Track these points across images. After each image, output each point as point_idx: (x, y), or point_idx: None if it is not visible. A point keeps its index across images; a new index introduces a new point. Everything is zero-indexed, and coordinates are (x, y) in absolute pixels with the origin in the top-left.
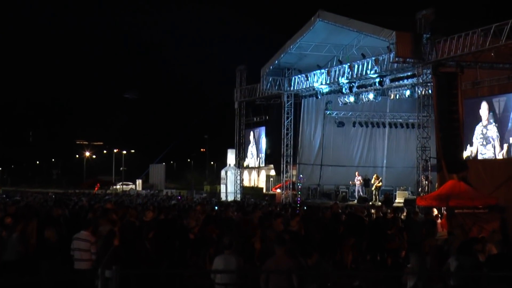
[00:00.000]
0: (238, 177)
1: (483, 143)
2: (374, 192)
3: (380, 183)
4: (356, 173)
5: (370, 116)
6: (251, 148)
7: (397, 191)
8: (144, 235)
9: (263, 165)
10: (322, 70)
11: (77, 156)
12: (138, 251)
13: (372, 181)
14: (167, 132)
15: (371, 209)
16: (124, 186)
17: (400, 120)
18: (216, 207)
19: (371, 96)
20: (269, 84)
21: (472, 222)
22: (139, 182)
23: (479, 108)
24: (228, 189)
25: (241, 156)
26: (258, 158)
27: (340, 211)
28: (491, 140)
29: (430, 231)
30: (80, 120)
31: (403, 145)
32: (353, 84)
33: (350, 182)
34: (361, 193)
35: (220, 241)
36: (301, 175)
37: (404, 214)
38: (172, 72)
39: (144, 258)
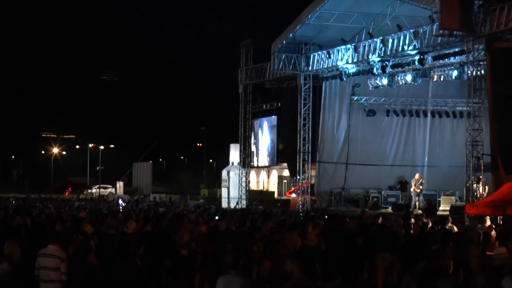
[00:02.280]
0: (244, 179)
1: None
2: (415, 198)
3: (421, 187)
4: (417, 175)
5: (408, 102)
6: (260, 143)
7: (442, 196)
8: (134, 250)
9: (274, 163)
10: (348, 46)
11: (42, 152)
12: (125, 270)
13: (413, 184)
14: (155, 123)
15: (409, 219)
16: (101, 190)
17: (445, 108)
18: (217, 217)
19: (409, 77)
20: (281, 63)
21: None
22: (120, 184)
23: None
24: (231, 194)
25: (246, 153)
26: (268, 155)
27: (369, 221)
28: None
29: (483, 246)
30: (46, 107)
31: (449, 139)
32: (387, 63)
33: (412, 188)
34: (420, 202)
35: (221, 259)
36: (304, 180)
37: (450, 224)
38: (160, 48)
39: (134, 280)
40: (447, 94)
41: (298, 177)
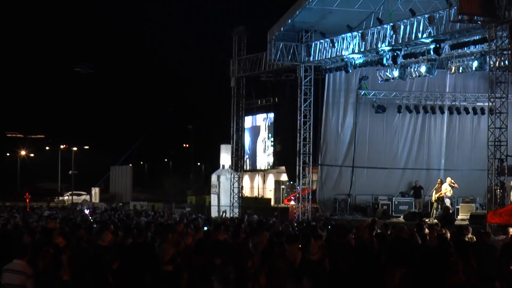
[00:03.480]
0: (236, 184)
1: None
2: (434, 205)
3: (451, 191)
4: (449, 180)
5: (422, 98)
6: (254, 143)
7: (460, 204)
8: (106, 265)
9: (271, 167)
10: (355, 33)
11: (7, 154)
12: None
13: (436, 189)
14: (136, 121)
15: (423, 229)
16: (74, 197)
17: (465, 104)
18: (206, 227)
19: (423, 69)
20: (279, 53)
21: None
22: (95, 191)
23: None
24: (222, 201)
25: (239, 155)
26: (264, 158)
27: (379, 231)
28: None
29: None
30: (12, 103)
31: (469, 138)
32: (398, 53)
33: (443, 193)
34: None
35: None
36: (304, 186)
37: (469, 235)
38: (142, 37)
39: None
40: (466, 88)
41: (298, 182)
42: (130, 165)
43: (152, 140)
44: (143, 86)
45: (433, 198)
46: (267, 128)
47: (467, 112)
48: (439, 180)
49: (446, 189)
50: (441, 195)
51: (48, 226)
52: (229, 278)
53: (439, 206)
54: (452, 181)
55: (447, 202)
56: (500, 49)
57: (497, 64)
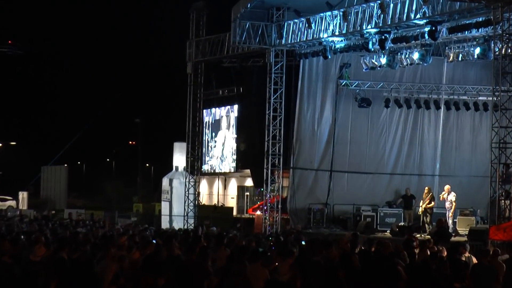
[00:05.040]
0: (192, 190)
1: None
2: (422, 218)
3: (432, 203)
4: (446, 188)
5: (414, 90)
6: (214, 142)
7: (458, 216)
8: (42, 285)
9: (234, 170)
10: (335, 12)
11: None
12: None
13: (423, 198)
14: (73, 113)
15: (413, 246)
16: None
17: (464, 98)
18: (154, 241)
19: (416, 56)
20: (245, 34)
21: None
22: (23, 195)
23: None
24: (175, 210)
25: (196, 155)
26: (225, 159)
27: (362, 247)
28: None
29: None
30: None
31: (469, 139)
32: (387, 36)
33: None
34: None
35: None
36: (273, 193)
37: (467, 254)
38: (81, 13)
39: None
40: (466, 79)
41: (265, 188)
42: (65, 165)
43: (91, 135)
44: (82, 72)
45: (420, 210)
46: (229, 123)
47: (467, 108)
48: (426, 188)
49: (451, 201)
50: (428, 206)
51: None
52: None
53: (428, 219)
54: (446, 189)
55: (449, 215)
56: (507, 33)
57: (503, 51)
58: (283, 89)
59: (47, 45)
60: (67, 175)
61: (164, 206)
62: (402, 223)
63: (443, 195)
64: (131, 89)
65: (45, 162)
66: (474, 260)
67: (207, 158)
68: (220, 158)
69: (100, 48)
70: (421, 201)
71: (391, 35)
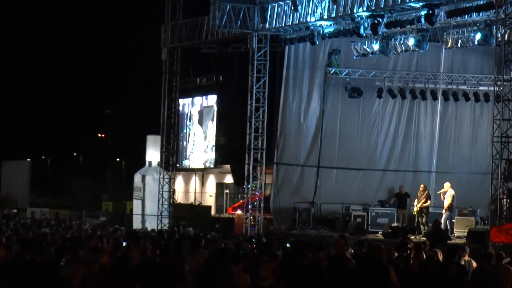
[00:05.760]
0: (166, 187)
1: None
2: (417, 218)
3: (428, 202)
4: (446, 185)
5: (410, 79)
6: (191, 134)
7: (456, 217)
8: None
9: (212, 165)
10: None
11: None
12: None
13: (418, 196)
14: (37, 103)
15: (407, 249)
16: None
17: (464, 87)
18: (125, 243)
19: (411, 42)
20: (225, 18)
21: None
22: None
23: None
24: (148, 209)
25: (171, 149)
26: (204, 153)
27: (351, 250)
28: None
29: None
30: None
31: (468, 132)
32: (380, 20)
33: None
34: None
35: None
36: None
37: (467, 257)
38: None
39: None
40: (466, 68)
41: (247, 185)
42: (28, 159)
43: (57, 128)
44: (46, 58)
45: (415, 209)
46: (208, 114)
47: (467, 99)
48: (422, 185)
49: (449, 196)
50: (424, 206)
51: None
52: None
53: (424, 220)
54: (446, 186)
55: (446, 216)
56: (511, 17)
57: (506, 37)
58: (266, 78)
59: (8, 32)
60: (30, 170)
61: (136, 204)
62: (395, 224)
63: (442, 192)
64: (101, 77)
65: (5, 156)
66: (474, 264)
67: (187, 153)
68: (197, 153)
69: (66, 32)
70: (416, 200)
71: (385, 19)
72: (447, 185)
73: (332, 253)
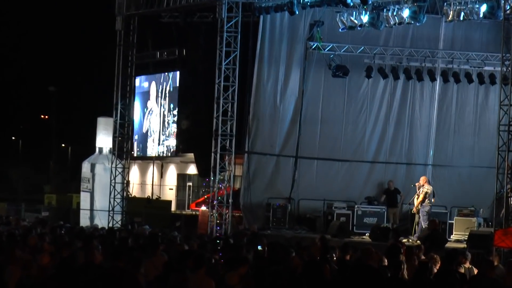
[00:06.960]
0: (119, 178)
1: None
2: (416, 219)
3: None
4: (422, 179)
5: (404, 56)
6: (149, 117)
7: (455, 217)
8: None
9: (173, 154)
10: None
11: None
12: None
13: (418, 193)
14: None
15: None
16: None
17: (466, 67)
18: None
19: (406, 13)
20: None
21: None
22: None
23: None
24: (97, 203)
25: (125, 134)
26: (163, 140)
27: (334, 255)
28: None
29: None
30: None
31: (471, 119)
32: None
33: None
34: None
35: None
36: (222, 184)
37: (467, 264)
38: None
39: None
40: (469, 44)
41: (213, 177)
42: None
43: None
44: None
45: (414, 208)
46: (168, 94)
47: (470, 80)
48: (422, 178)
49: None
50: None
51: None
52: None
53: (419, 219)
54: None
55: (423, 215)
56: None
57: None
58: (237, 53)
59: None
60: None
61: (84, 198)
62: (385, 225)
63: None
64: (44, 49)
65: None
66: (476, 272)
67: (144, 139)
68: (156, 139)
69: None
70: (415, 196)
71: None
72: (423, 179)
73: (306, 258)
